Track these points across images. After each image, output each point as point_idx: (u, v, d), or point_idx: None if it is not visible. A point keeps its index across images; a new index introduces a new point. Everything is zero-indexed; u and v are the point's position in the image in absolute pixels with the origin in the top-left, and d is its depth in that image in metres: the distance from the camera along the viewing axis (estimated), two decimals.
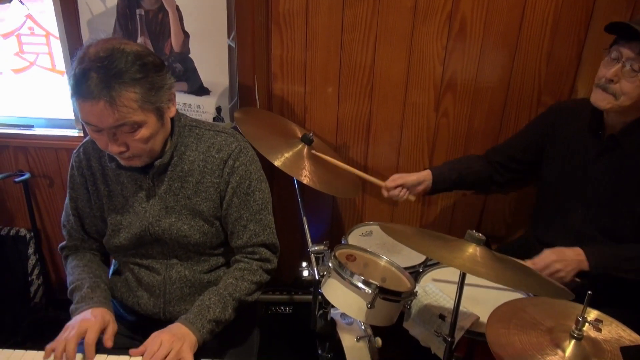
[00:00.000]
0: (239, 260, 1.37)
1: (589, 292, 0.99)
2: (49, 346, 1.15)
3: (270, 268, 1.38)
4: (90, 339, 1.14)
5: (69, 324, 1.20)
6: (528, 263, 1.46)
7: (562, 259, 1.43)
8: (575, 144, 1.57)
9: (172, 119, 1.28)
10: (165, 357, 1.10)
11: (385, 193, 1.74)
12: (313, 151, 1.74)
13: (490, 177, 1.79)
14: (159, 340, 1.12)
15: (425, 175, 1.74)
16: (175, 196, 1.31)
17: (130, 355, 1.14)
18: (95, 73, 1.06)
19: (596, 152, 1.51)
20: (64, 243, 1.42)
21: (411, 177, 1.72)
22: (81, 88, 1.07)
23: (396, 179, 1.72)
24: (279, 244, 1.42)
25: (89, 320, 1.18)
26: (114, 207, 1.34)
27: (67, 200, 1.39)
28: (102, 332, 1.19)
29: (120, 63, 1.08)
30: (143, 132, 1.15)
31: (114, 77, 1.07)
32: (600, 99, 1.41)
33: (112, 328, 1.20)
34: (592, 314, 1.09)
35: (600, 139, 1.51)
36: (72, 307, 1.27)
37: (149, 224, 1.31)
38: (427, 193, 1.80)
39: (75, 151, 1.36)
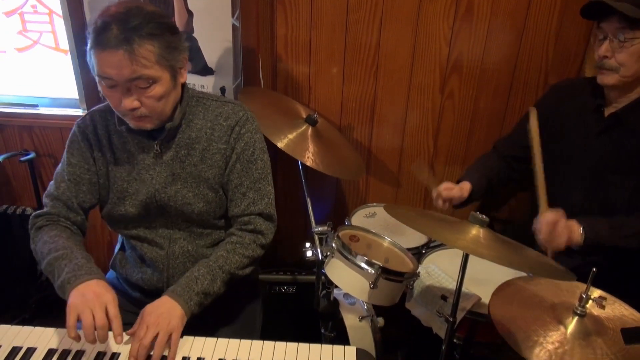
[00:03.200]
0: (232, 233, 1.36)
1: (594, 269, 1.00)
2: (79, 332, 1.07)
3: (265, 242, 1.36)
4: (113, 314, 1.09)
5: (86, 299, 1.09)
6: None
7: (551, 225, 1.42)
8: (575, 122, 1.59)
9: (182, 89, 1.30)
10: (154, 338, 1.09)
11: (434, 194, 1.66)
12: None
13: (509, 174, 1.77)
14: (145, 326, 1.11)
15: (468, 189, 1.67)
16: (182, 163, 1.32)
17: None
18: (115, 25, 1.10)
19: (598, 129, 1.53)
20: (41, 211, 1.32)
21: (463, 194, 1.65)
22: (102, 38, 1.10)
23: (451, 188, 1.64)
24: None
25: (105, 294, 1.11)
26: (120, 175, 1.34)
27: (60, 168, 1.34)
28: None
29: (139, 19, 1.12)
30: (157, 89, 1.17)
31: (133, 30, 1.10)
32: (604, 78, 1.45)
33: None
34: (596, 292, 1.10)
35: (601, 117, 1.53)
36: (65, 275, 1.16)
37: (155, 190, 1.31)
38: (456, 206, 1.72)
39: (80, 119, 1.36)
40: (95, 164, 1.34)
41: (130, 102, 1.16)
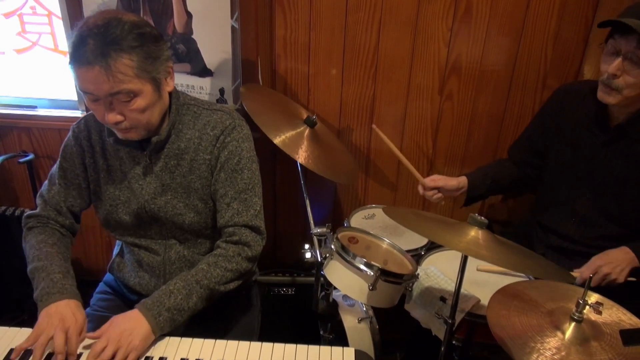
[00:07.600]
0: (218, 245, 1.32)
1: (591, 275, 1.00)
2: (19, 346, 1.09)
3: (251, 255, 1.30)
4: (70, 335, 1.10)
5: (50, 322, 1.11)
6: (575, 273, 1.45)
7: (609, 262, 1.42)
8: (582, 130, 1.56)
9: (170, 97, 1.28)
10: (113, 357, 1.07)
11: (420, 190, 1.70)
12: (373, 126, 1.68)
13: (522, 178, 1.76)
14: (106, 339, 1.08)
15: (463, 181, 1.70)
16: (171, 174, 1.31)
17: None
18: (92, 39, 1.07)
19: (603, 141, 1.50)
20: (33, 212, 1.35)
21: (452, 182, 1.68)
22: (78, 54, 1.08)
23: (436, 180, 1.67)
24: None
25: (68, 319, 1.12)
26: (112, 182, 1.34)
27: (54, 170, 1.36)
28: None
29: (117, 30, 1.09)
30: (139, 102, 1.15)
31: (110, 44, 1.07)
32: (606, 97, 1.40)
33: (83, 334, 1.14)
34: (593, 297, 1.10)
35: (606, 128, 1.50)
36: (40, 291, 1.17)
37: (145, 201, 1.31)
38: (463, 204, 1.77)
39: (75, 122, 1.35)
40: (87, 170, 1.35)
41: (113, 117, 1.15)
